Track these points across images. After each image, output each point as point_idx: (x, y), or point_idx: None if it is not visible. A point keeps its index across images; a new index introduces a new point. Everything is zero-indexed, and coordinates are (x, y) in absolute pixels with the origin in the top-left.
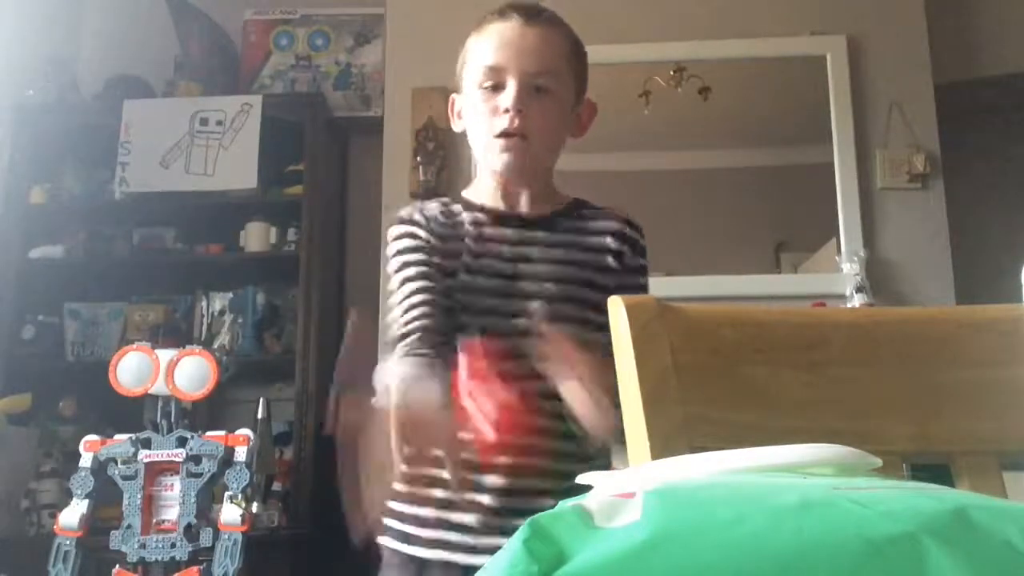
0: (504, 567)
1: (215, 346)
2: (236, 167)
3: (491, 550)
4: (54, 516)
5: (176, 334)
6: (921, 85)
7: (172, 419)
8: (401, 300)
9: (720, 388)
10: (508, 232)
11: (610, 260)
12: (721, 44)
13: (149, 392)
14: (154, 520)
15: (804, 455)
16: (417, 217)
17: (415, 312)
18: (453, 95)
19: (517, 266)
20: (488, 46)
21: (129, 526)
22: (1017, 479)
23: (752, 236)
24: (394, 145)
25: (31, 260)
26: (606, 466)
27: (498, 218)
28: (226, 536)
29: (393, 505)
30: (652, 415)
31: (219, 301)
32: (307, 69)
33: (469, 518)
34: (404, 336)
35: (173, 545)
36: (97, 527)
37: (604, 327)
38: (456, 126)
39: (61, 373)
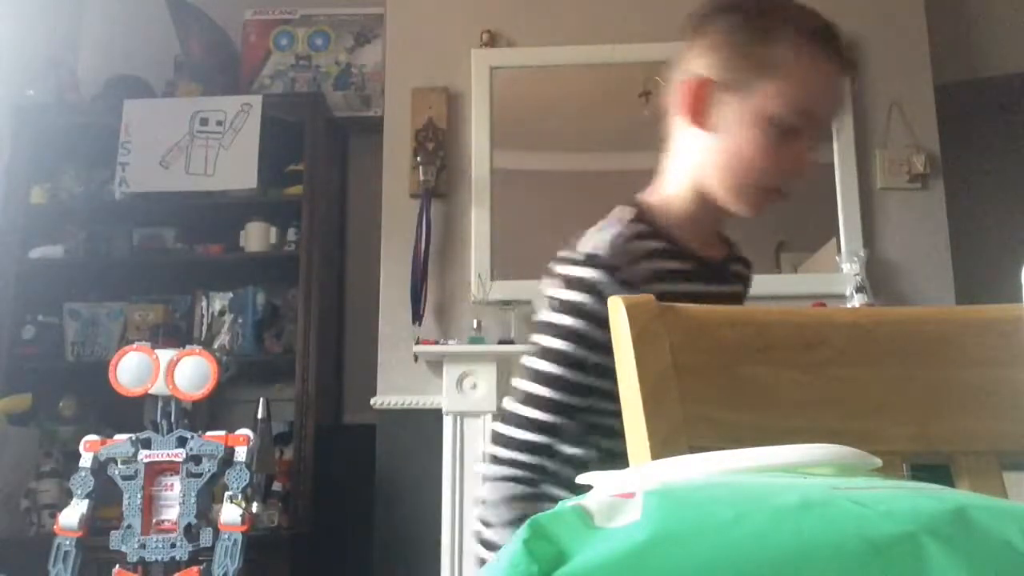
0: (504, 567)
1: (215, 346)
2: (236, 167)
3: None
4: (54, 516)
5: (176, 334)
6: (921, 85)
7: (172, 419)
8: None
9: (720, 388)
10: (700, 287)
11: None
12: None
13: (149, 392)
14: (154, 520)
15: (804, 455)
16: (616, 262)
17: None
18: (709, 78)
19: None
20: (812, 85)
21: (129, 526)
22: (1017, 479)
23: (752, 236)
24: (394, 145)
25: (31, 260)
26: None
27: (691, 266)
28: (226, 536)
29: None
30: (652, 415)
31: (219, 301)
32: (307, 69)
33: None
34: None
35: (173, 545)
36: (97, 527)
37: None
38: (700, 124)
39: (61, 373)
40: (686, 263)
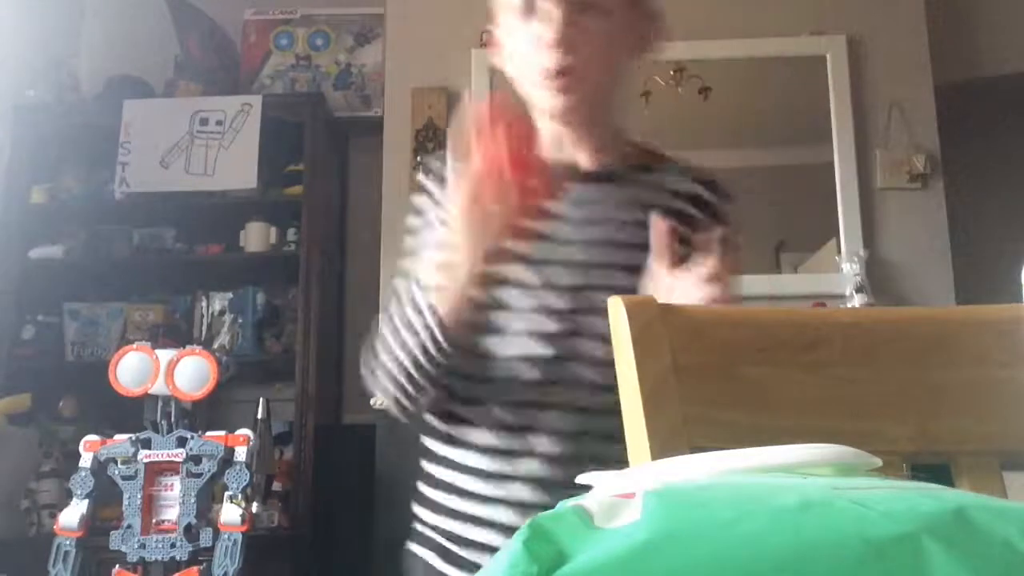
0: (504, 567)
1: (215, 346)
2: (236, 167)
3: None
4: (54, 516)
5: (176, 334)
6: (921, 85)
7: (172, 419)
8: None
9: (720, 388)
10: (565, 188)
11: (685, 228)
12: (721, 44)
13: (149, 392)
14: (154, 520)
15: (804, 455)
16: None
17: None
18: (489, 27)
19: (580, 229)
20: None
21: (129, 526)
22: (1017, 479)
23: (752, 236)
24: (394, 145)
25: (31, 260)
26: None
27: (555, 172)
28: (226, 536)
29: (428, 516)
30: (652, 415)
31: (219, 301)
32: (307, 69)
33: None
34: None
35: (173, 545)
36: (97, 527)
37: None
38: (502, 63)
39: (61, 373)
40: None
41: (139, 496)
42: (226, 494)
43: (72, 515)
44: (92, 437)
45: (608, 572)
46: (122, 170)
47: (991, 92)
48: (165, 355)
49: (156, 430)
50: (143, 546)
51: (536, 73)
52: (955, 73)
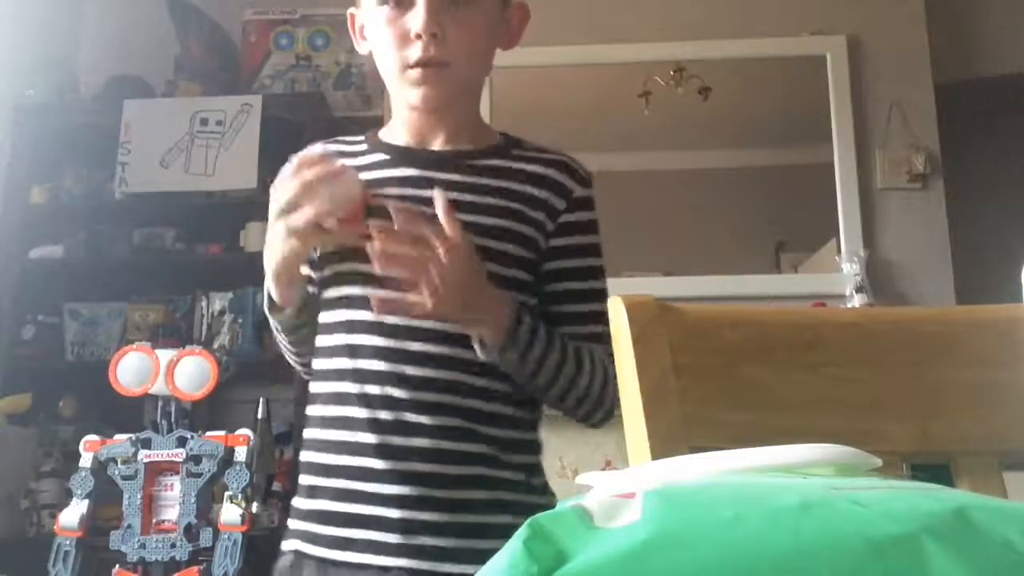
0: (504, 567)
1: (215, 346)
2: (236, 167)
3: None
4: (54, 516)
5: (176, 334)
6: (921, 85)
7: (172, 419)
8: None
9: (720, 388)
10: (411, 172)
11: (538, 212)
12: (721, 44)
13: (149, 392)
14: (154, 520)
15: (804, 455)
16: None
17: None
18: (351, 9)
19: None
20: None
21: (129, 526)
22: (1017, 479)
23: (752, 236)
24: None
25: (31, 260)
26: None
27: (402, 157)
28: (226, 536)
29: (299, 503)
30: (652, 415)
31: (219, 301)
32: (307, 69)
33: (387, 511)
34: None
35: (173, 545)
36: (97, 527)
37: (523, 287)
38: (361, 48)
39: (61, 373)
40: (381, 155)
41: (139, 496)
42: (226, 494)
43: (72, 515)
44: (92, 437)
45: (608, 572)
46: (122, 170)
47: (991, 92)
48: (165, 355)
49: (156, 430)
50: (143, 546)
51: (403, 64)
52: (955, 73)
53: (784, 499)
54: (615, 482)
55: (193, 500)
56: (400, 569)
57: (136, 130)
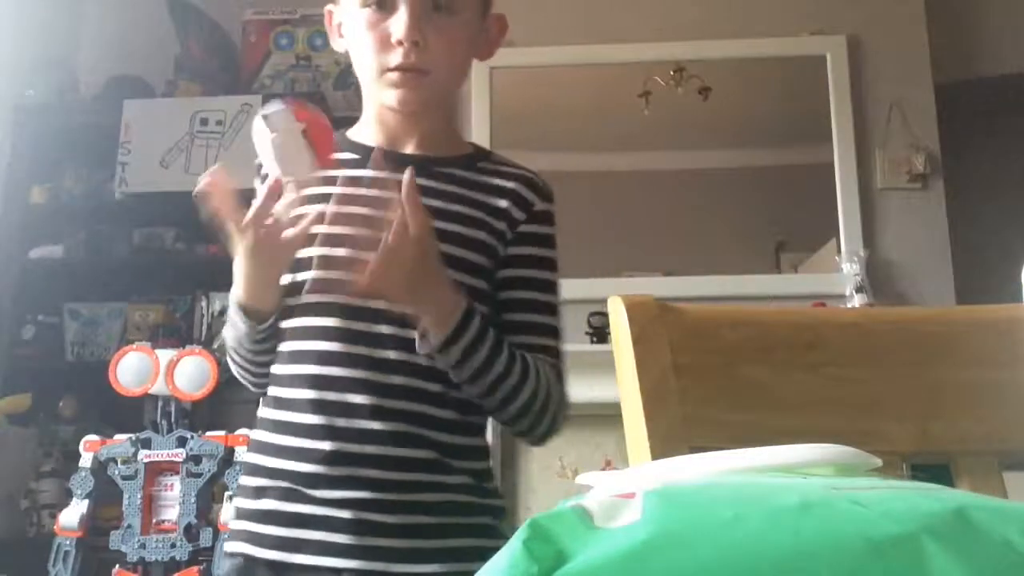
0: (504, 567)
1: (215, 346)
2: (236, 167)
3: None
4: (54, 516)
5: (176, 334)
6: (921, 85)
7: (172, 419)
8: None
9: (720, 388)
10: (380, 173)
11: (500, 222)
12: (721, 44)
13: (149, 392)
14: (154, 520)
15: (804, 455)
16: None
17: None
18: (329, 6)
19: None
20: None
21: (129, 526)
22: (1017, 479)
23: (752, 236)
24: None
25: (31, 260)
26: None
27: (373, 158)
28: (226, 536)
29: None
30: (652, 415)
31: (219, 301)
32: (307, 69)
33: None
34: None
35: (173, 545)
36: (97, 527)
37: (483, 296)
38: (337, 45)
39: (61, 373)
40: (345, 155)
41: (139, 496)
42: (226, 494)
43: (72, 515)
44: (92, 437)
45: (608, 572)
46: (122, 170)
47: (991, 92)
48: (165, 355)
49: (156, 430)
50: (143, 546)
51: (382, 68)
52: (955, 73)
53: (784, 499)
54: (615, 482)
55: (193, 500)
56: (352, 571)
57: (136, 130)
